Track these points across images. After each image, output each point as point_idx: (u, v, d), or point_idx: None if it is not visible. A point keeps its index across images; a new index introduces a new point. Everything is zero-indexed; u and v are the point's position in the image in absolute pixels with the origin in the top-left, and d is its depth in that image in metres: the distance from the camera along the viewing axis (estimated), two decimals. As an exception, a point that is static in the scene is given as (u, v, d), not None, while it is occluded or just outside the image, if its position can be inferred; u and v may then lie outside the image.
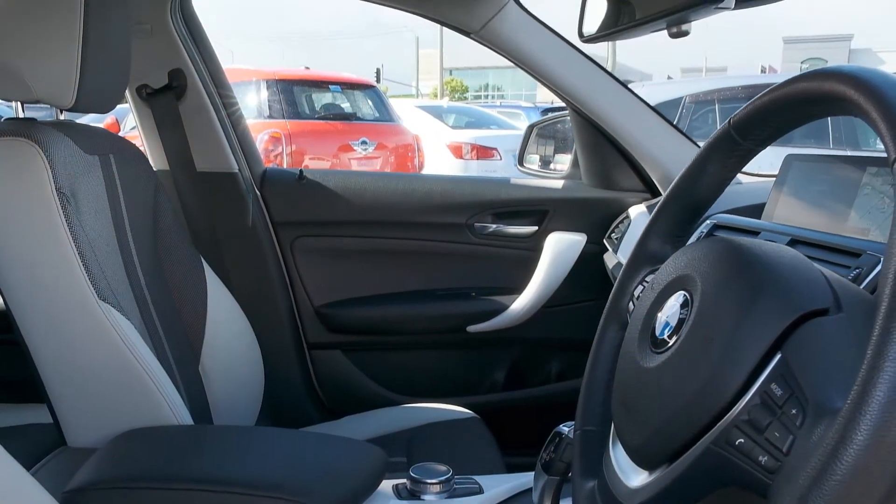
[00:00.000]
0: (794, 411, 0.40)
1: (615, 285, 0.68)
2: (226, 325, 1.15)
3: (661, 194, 1.40)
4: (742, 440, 0.42)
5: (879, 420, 0.33)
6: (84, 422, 0.90)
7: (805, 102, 0.48)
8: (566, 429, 0.72)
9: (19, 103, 0.91)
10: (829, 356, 0.42)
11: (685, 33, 0.80)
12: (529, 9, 1.34)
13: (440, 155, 6.49)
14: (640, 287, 0.65)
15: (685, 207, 0.63)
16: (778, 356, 0.43)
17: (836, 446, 0.34)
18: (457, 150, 6.54)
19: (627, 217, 1.37)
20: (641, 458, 0.52)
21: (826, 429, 0.38)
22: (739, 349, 0.44)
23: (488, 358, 1.57)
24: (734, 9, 0.75)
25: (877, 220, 0.79)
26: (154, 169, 1.14)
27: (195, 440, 0.89)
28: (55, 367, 0.87)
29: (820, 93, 0.45)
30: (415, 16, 1.40)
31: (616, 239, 1.36)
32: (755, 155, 0.59)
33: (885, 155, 0.39)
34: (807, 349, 0.42)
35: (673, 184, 0.63)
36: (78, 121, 1.06)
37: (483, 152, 6.52)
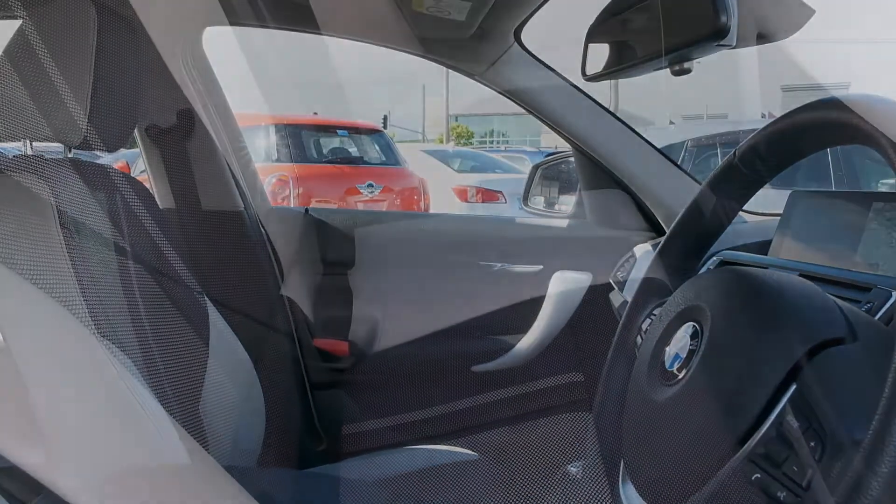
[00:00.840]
0: (812, 444, 0.39)
1: (622, 319, 0.67)
2: (228, 363, 1.14)
3: (665, 233, 1.39)
4: (759, 475, 0.41)
5: None
6: (77, 461, 0.88)
7: (810, 131, 0.48)
8: (574, 469, 0.70)
9: (28, 140, 0.93)
10: (847, 386, 0.40)
11: (687, 71, 0.81)
12: (534, 52, 1.37)
13: (446, 198, 6.54)
14: (648, 321, 0.64)
15: (692, 239, 0.62)
16: (793, 387, 0.42)
17: (859, 478, 0.32)
18: (462, 194, 6.59)
19: (633, 256, 1.36)
20: (654, 496, 0.50)
21: (847, 461, 0.36)
22: (753, 380, 0.43)
23: (494, 398, 1.54)
24: (735, 47, 0.75)
25: (885, 255, 0.78)
26: (160, 207, 1.15)
27: (193, 480, 0.86)
28: (49, 403, 0.86)
29: (826, 121, 0.45)
30: (421, 60, 1.43)
31: (621, 277, 1.35)
32: (760, 187, 0.59)
33: (890, 190, 0.39)
34: (823, 379, 0.41)
35: (680, 215, 0.62)
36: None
37: (488, 196, 6.57)
